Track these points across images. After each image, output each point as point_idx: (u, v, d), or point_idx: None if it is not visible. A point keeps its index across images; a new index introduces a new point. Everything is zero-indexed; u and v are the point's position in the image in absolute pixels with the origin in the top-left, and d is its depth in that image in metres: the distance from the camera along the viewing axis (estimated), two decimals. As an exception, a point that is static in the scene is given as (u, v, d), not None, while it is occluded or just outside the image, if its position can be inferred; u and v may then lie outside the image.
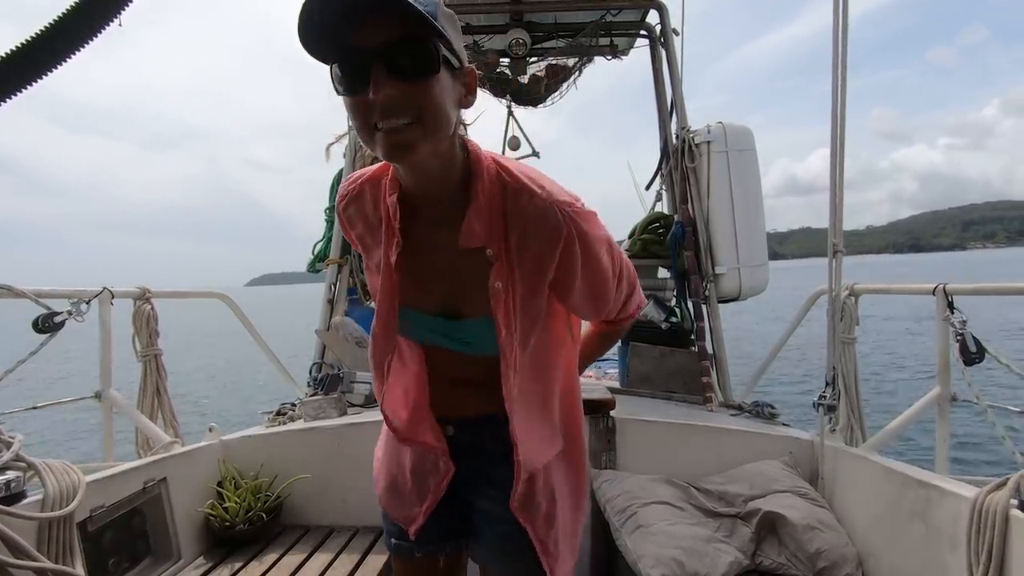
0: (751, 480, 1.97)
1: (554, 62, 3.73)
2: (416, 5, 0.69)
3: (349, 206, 0.98)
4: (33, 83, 0.43)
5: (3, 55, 0.41)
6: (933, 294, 1.89)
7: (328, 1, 0.69)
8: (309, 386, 2.88)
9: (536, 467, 1.00)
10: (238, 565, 1.87)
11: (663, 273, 3.45)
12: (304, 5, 0.69)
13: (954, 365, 1.88)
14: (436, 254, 0.92)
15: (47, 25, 0.42)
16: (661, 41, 3.54)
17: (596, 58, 3.79)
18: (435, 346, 0.99)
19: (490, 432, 1.01)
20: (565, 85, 3.76)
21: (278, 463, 2.18)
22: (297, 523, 2.18)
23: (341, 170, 3.38)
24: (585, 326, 1.19)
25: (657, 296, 3.32)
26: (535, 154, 4.03)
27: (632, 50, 3.83)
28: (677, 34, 3.48)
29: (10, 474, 1.37)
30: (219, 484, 2.09)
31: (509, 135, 4.01)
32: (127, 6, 0.46)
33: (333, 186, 3.42)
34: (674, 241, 3.21)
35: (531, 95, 3.75)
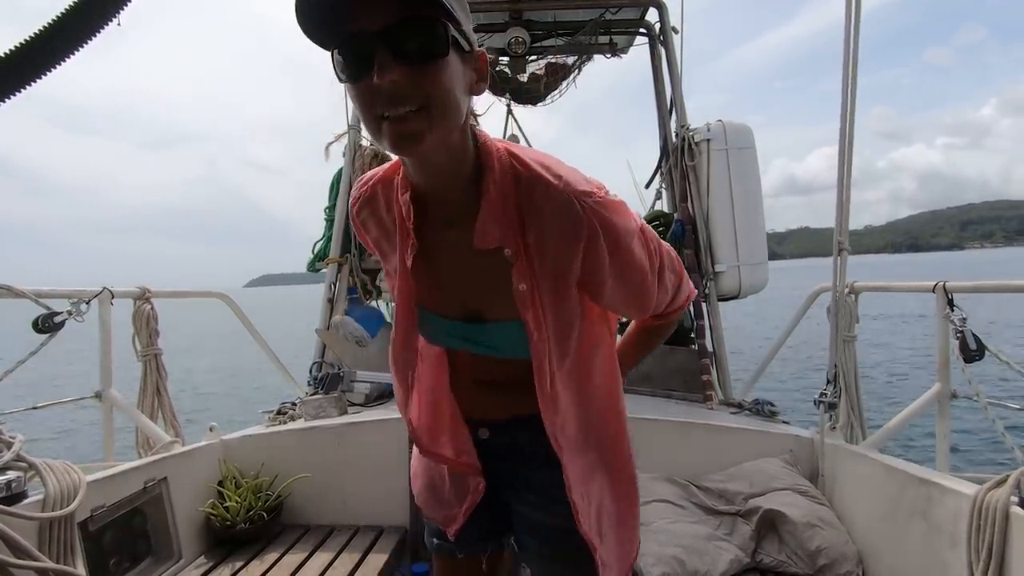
0: (751, 478, 1.97)
1: (553, 60, 3.72)
2: None
3: (362, 210, 0.93)
4: (32, 83, 0.43)
5: (2, 55, 0.41)
6: (933, 291, 1.89)
7: None
8: (309, 385, 2.88)
9: (585, 485, 0.95)
10: (239, 564, 1.87)
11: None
12: None
13: (954, 364, 1.88)
14: (452, 255, 0.87)
15: (46, 25, 0.42)
16: (660, 39, 3.54)
17: (595, 56, 3.79)
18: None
19: (524, 434, 0.96)
20: (564, 83, 3.75)
21: (278, 462, 2.18)
22: (297, 522, 2.18)
23: (341, 169, 3.38)
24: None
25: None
26: (534, 153, 4.02)
27: (632, 48, 3.83)
28: (676, 32, 3.47)
29: (11, 474, 1.37)
30: (220, 484, 2.09)
31: (508, 133, 4.01)
32: (126, 6, 0.46)
33: (333, 185, 3.42)
34: (674, 239, 3.21)
35: (530, 94, 3.74)
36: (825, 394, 1.93)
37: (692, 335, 3.12)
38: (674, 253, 0.96)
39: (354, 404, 2.67)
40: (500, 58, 3.70)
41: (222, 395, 12.65)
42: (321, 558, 1.93)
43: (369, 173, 0.93)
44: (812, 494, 1.89)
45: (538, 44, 3.67)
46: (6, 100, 0.43)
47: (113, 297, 2.19)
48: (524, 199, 0.80)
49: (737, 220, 3.16)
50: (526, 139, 4.03)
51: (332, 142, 3.36)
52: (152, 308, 2.39)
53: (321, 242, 3.43)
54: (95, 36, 0.45)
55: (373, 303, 3.41)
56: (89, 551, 1.54)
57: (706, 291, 3.15)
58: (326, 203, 3.45)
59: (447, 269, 0.88)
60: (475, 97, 0.79)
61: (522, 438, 0.98)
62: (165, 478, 1.89)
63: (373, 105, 0.69)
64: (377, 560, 1.93)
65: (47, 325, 1.93)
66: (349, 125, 3.33)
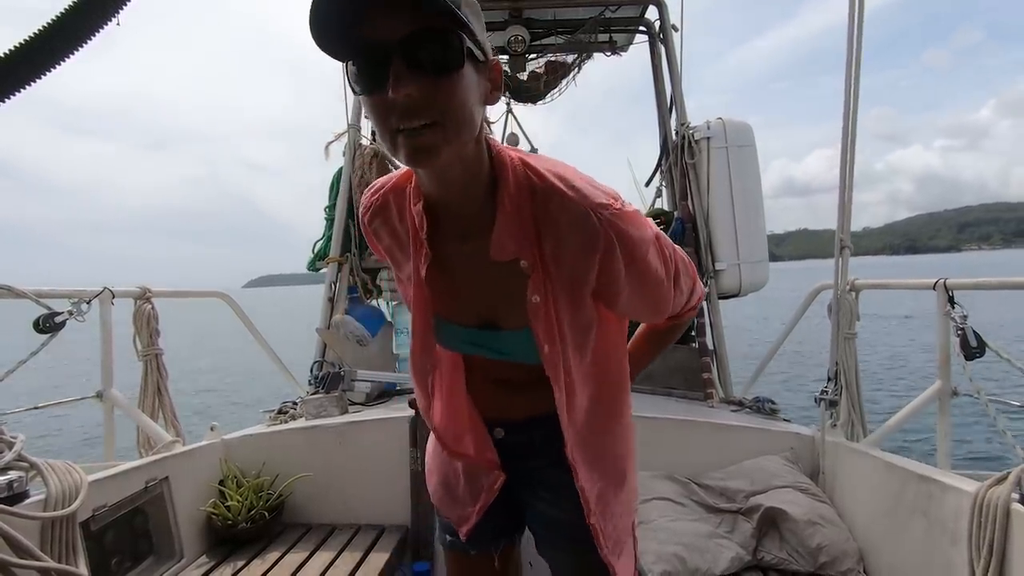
0: (752, 476, 1.97)
1: (553, 59, 3.72)
2: None
3: (374, 218, 0.92)
4: (32, 83, 0.43)
5: (2, 55, 0.41)
6: (934, 289, 1.89)
7: None
8: (310, 384, 2.88)
9: (601, 491, 0.96)
10: (240, 564, 1.87)
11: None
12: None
13: (955, 362, 1.88)
14: (467, 265, 0.87)
15: (46, 25, 0.42)
16: (660, 37, 3.54)
17: (595, 55, 3.78)
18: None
19: (541, 433, 0.98)
20: (564, 82, 3.75)
21: (279, 462, 2.19)
22: (299, 521, 2.18)
23: (341, 168, 3.37)
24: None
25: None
26: (533, 151, 4.03)
27: (632, 46, 3.82)
28: (676, 30, 3.47)
29: (12, 474, 1.37)
30: (221, 483, 2.09)
31: (508, 132, 4.01)
32: (125, 5, 0.46)
33: (333, 184, 3.42)
34: (674, 238, 3.21)
35: (530, 92, 3.74)
36: (826, 391, 1.94)
37: (692, 333, 3.12)
38: (687, 256, 0.97)
39: (355, 403, 2.67)
40: (500, 56, 3.70)
41: (223, 395, 12.66)
42: (322, 557, 1.93)
43: (380, 180, 0.92)
44: (813, 492, 1.89)
45: (538, 42, 3.67)
46: (6, 100, 0.43)
47: (114, 297, 2.19)
48: (540, 211, 0.79)
49: (737, 218, 3.16)
50: (527, 138, 4.03)
51: (332, 141, 3.36)
52: (153, 308, 2.39)
53: (321, 241, 3.43)
54: (95, 36, 0.45)
55: (374, 302, 3.41)
56: (91, 551, 1.54)
57: (707, 289, 3.15)
58: (326, 203, 3.45)
59: (462, 279, 0.88)
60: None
61: (537, 437, 0.99)
62: (166, 478, 1.89)
63: (388, 118, 0.68)
64: (378, 559, 1.93)
65: (48, 325, 1.93)
66: (349, 124, 3.33)
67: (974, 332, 1.78)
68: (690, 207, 3.23)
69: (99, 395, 2.18)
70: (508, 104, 3.90)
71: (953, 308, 1.84)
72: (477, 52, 0.72)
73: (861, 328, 2.21)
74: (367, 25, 0.66)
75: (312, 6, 0.64)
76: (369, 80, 0.68)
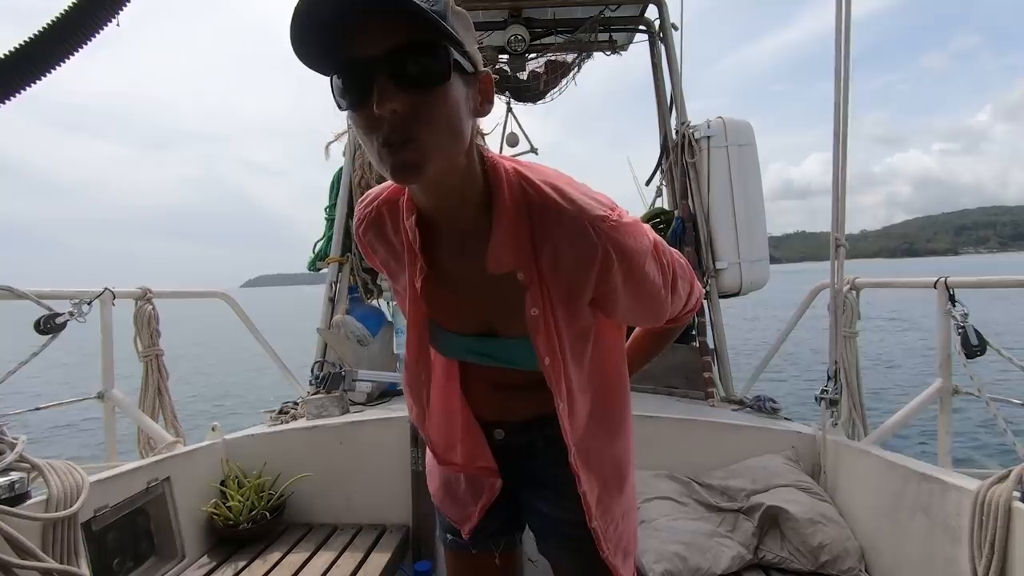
0: (753, 475, 1.97)
1: (553, 58, 3.72)
2: (421, 4, 0.61)
3: (368, 231, 0.90)
4: (33, 83, 0.43)
5: (2, 55, 0.41)
6: (934, 287, 1.89)
7: (319, 6, 0.60)
8: (311, 384, 2.88)
9: (602, 494, 0.96)
10: (242, 564, 1.87)
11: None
12: (295, 11, 0.60)
13: (956, 360, 1.88)
14: (464, 277, 0.86)
15: (46, 25, 0.42)
16: (660, 36, 3.53)
17: (595, 54, 3.78)
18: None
19: (541, 434, 0.98)
20: (564, 81, 3.75)
21: (281, 462, 2.19)
22: (300, 521, 2.18)
23: (341, 168, 3.37)
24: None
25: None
26: (533, 150, 4.02)
27: (632, 45, 3.82)
28: (676, 29, 3.47)
29: (14, 475, 1.37)
30: (222, 483, 2.09)
31: (507, 131, 4.00)
32: (125, 5, 0.46)
33: (333, 184, 3.41)
34: (674, 237, 3.21)
35: (530, 91, 3.74)
36: (827, 390, 1.94)
37: (693, 332, 3.12)
38: (684, 259, 0.97)
39: (356, 403, 2.67)
40: (500, 56, 3.70)
41: (223, 395, 12.66)
42: (324, 557, 1.93)
43: (373, 191, 0.91)
44: (814, 490, 1.89)
45: (538, 42, 3.67)
46: (7, 100, 0.43)
47: (115, 297, 2.19)
48: (536, 223, 0.78)
49: (738, 217, 3.15)
50: (527, 138, 4.02)
51: (332, 141, 3.35)
52: (153, 308, 2.39)
53: (321, 241, 3.42)
54: (95, 36, 0.45)
55: (374, 302, 3.41)
56: (92, 551, 1.54)
57: (707, 288, 3.15)
58: (326, 203, 3.45)
59: (459, 289, 0.88)
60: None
61: (537, 438, 0.99)
62: (168, 478, 1.89)
63: (373, 134, 0.67)
64: (380, 559, 1.93)
65: (49, 326, 1.93)
66: (349, 125, 3.32)
67: (975, 330, 1.78)
68: (690, 206, 3.23)
69: (100, 396, 2.19)
70: (508, 104, 3.89)
71: (954, 306, 1.84)
72: (465, 64, 0.69)
73: (862, 326, 2.22)
74: (351, 39, 0.64)
75: (292, 21, 0.61)
76: (354, 95, 0.66)
